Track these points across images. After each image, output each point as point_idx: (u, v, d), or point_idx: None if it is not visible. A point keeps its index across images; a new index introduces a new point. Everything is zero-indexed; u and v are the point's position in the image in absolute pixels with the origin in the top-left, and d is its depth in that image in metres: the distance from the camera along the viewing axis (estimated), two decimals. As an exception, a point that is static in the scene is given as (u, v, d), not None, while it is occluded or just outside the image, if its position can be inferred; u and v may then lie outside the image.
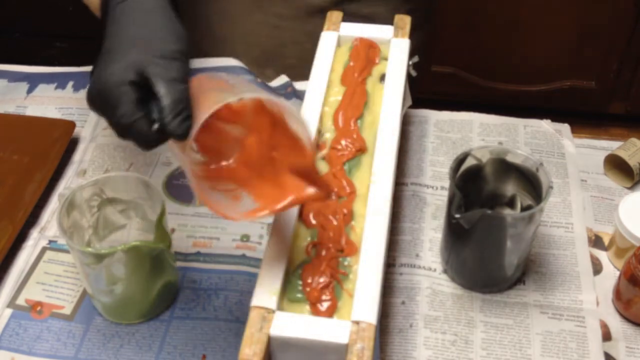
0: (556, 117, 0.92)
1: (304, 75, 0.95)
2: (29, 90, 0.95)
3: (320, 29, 0.77)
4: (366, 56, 0.75)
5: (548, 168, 0.84)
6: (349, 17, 0.78)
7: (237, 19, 0.94)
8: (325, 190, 0.54)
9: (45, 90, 0.95)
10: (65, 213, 0.64)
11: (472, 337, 0.69)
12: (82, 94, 0.94)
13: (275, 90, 0.92)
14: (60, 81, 0.96)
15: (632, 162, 0.80)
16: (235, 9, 0.93)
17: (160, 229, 0.62)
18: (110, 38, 0.56)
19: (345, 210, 0.61)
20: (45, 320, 0.69)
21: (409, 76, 0.75)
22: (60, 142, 0.83)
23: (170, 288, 0.70)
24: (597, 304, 0.71)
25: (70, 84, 0.96)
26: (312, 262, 0.57)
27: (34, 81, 0.96)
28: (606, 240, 0.77)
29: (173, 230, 0.76)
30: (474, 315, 0.70)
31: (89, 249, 0.62)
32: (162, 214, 0.63)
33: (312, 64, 0.73)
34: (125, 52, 0.54)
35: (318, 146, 0.67)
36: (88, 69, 0.97)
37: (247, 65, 0.95)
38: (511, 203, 0.71)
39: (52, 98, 0.93)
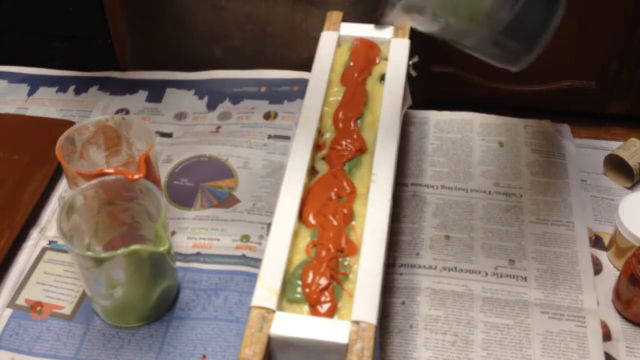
0: (556, 117, 0.92)
1: (248, 57, 0.95)
2: (30, 93, 0.95)
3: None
4: (366, 56, 0.75)
5: (548, 168, 0.84)
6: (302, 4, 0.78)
7: None
8: None
9: (46, 92, 0.95)
10: (65, 216, 0.64)
11: (473, 337, 0.69)
12: (84, 97, 0.94)
13: (280, 92, 0.92)
14: (61, 85, 0.96)
15: (632, 162, 0.80)
16: None
17: (160, 233, 0.62)
18: None
19: (345, 210, 0.61)
20: (45, 320, 0.69)
21: (409, 76, 0.75)
22: (60, 142, 0.83)
23: (170, 292, 0.70)
24: (597, 304, 0.71)
25: (72, 87, 0.95)
26: (312, 262, 0.57)
27: (34, 83, 0.96)
28: (606, 240, 0.77)
29: (173, 232, 0.76)
30: (474, 315, 0.70)
31: (89, 253, 0.62)
32: (162, 218, 0.63)
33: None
34: None
35: (318, 146, 0.67)
36: (90, 74, 0.97)
37: (195, 44, 0.97)
38: None
39: (53, 100, 0.93)
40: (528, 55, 0.60)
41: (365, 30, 0.77)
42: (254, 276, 0.71)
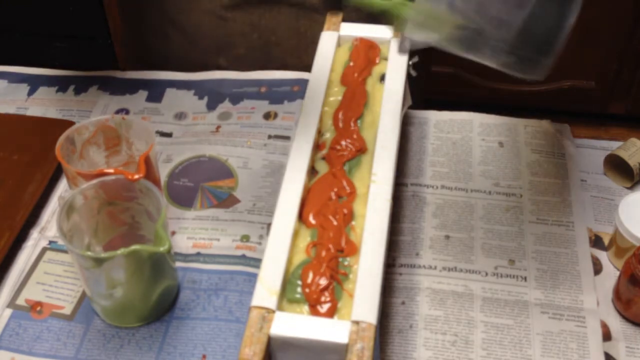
0: (556, 117, 0.92)
1: (253, 66, 0.96)
2: (30, 93, 0.95)
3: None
4: (366, 56, 0.75)
5: (548, 168, 0.84)
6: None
7: (187, 6, 0.95)
8: None
9: (46, 92, 0.95)
10: (65, 216, 0.64)
11: (472, 337, 0.69)
12: (84, 97, 0.94)
13: (280, 92, 0.93)
14: (61, 84, 0.96)
15: (632, 162, 0.80)
16: None
17: (160, 233, 0.62)
18: None
19: (345, 210, 0.61)
20: (45, 320, 0.69)
21: (409, 76, 0.75)
22: (60, 142, 0.83)
23: (170, 292, 0.70)
24: (597, 304, 0.71)
25: (72, 87, 0.95)
26: (312, 262, 0.57)
27: (34, 83, 0.96)
28: (606, 240, 0.77)
29: (173, 232, 0.76)
30: (474, 315, 0.70)
31: (89, 253, 0.62)
32: (162, 218, 0.63)
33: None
34: None
35: (318, 146, 0.67)
36: (90, 74, 0.97)
37: (200, 55, 0.97)
38: None
39: (53, 100, 0.93)
40: (544, 62, 0.60)
41: (365, 30, 0.77)
42: (254, 276, 0.71)
